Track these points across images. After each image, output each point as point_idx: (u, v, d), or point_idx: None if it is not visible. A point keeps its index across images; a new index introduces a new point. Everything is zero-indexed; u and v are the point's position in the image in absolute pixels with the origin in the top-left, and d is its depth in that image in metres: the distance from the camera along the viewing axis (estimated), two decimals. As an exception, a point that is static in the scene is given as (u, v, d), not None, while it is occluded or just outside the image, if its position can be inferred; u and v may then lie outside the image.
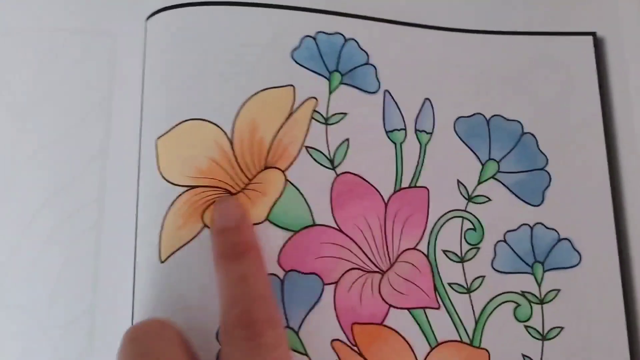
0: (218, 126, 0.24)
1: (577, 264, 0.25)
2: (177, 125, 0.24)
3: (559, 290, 0.25)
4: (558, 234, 0.25)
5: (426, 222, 0.25)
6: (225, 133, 0.24)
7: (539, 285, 0.25)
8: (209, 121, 0.24)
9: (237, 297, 0.21)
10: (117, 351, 0.20)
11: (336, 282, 0.24)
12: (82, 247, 0.25)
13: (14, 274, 0.25)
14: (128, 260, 0.24)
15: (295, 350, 0.23)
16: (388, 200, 0.25)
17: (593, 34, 0.27)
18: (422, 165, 0.25)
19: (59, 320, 0.24)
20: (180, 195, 0.24)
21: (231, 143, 0.24)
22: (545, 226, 0.25)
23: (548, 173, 0.26)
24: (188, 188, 0.24)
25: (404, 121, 0.26)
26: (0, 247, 0.25)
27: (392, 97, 0.26)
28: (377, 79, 0.26)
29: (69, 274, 0.25)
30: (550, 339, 0.24)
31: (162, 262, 0.23)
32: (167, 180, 0.24)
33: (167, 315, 0.22)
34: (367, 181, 0.25)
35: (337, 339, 0.23)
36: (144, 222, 0.24)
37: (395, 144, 0.25)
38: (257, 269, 0.22)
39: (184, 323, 0.22)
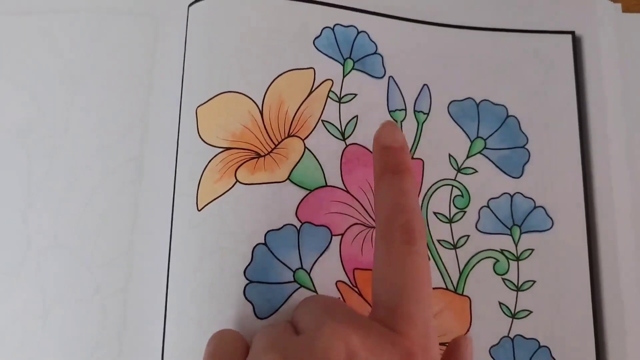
0: (251, 98, 0.29)
1: (550, 228, 0.29)
2: (215, 96, 0.29)
3: (533, 250, 0.29)
4: (534, 202, 0.29)
5: (420, 188, 0.29)
6: (257, 105, 0.29)
7: (516, 244, 0.29)
8: (243, 94, 0.29)
9: (400, 206, 0.22)
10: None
11: (342, 234, 0.28)
12: (124, 198, 0.28)
13: (64, 218, 0.28)
14: (165, 210, 0.28)
15: (306, 287, 0.27)
16: (389, 168, 0.29)
17: (572, 32, 0.31)
18: (418, 140, 0.30)
19: (101, 259, 0.28)
20: (216, 155, 0.28)
21: (261, 113, 0.29)
22: (523, 195, 0.30)
23: (528, 150, 0.30)
24: (223, 149, 0.28)
25: (404, 102, 0.30)
26: (51, 195, 0.29)
27: (395, 82, 0.30)
28: (384, 66, 0.30)
29: (111, 220, 0.28)
30: (523, 290, 0.29)
31: (199, 210, 0.28)
32: (205, 142, 0.28)
33: (202, 252, 0.27)
34: (371, 152, 0.29)
35: (341, 281, 0.28)
36: (182, 177, 0.28)
37: (396, 121, 0.30)
38: (415, 187, 0.25)
39: (216, 264, 0.27)
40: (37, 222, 0.28)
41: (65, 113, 0.29)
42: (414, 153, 0.29)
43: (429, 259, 0.28)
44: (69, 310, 0.27)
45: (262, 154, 0.29)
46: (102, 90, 0.30)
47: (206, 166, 0.28)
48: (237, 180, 0.28)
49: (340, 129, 0.29)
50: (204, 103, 0.29)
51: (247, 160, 0.28)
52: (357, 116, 0.29)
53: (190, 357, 0.26)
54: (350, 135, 0.29)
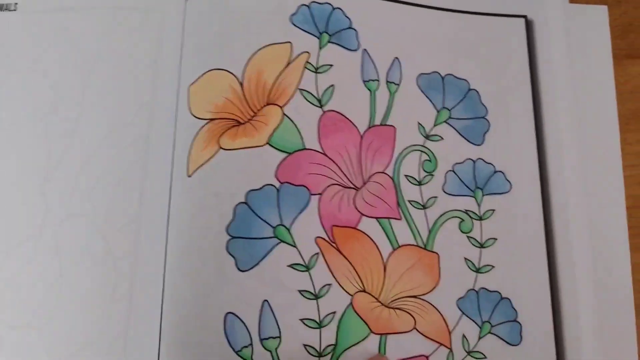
0: (232, 73, 0.31)
1: (508, 191, 0.32)
2: (203, 74, 0.31)
3: (494, 211, 0.31)
4: (494, 167, 0.32)
5: (392, 153, 0.31)
6: (237, 78, 0.31)
7: (479, 205, 0.31)
8: (226, 70, 0.31)
9: None
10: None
11: (320, 194, 0.30)
12: (132, 172, 0.31)
13: (80, 190, 0.31)
14: (166, 180, 0.31)
15: (286, 242, 0.29)
16: (363, 134, 0.31)
17: (525, 16, 0.35)
18: (390, 109, 0.32)
19: (113, 226, 0.31)
20: (203, 126, 0.30)
21: (241, 85, 0.31)
22: (484, 161, 0.32)
23: (488, 121, 0.33)
24: (209, 120, 0.30)
25: (377, 74, 0.32)
26: (68, 170, 0.32)
27: (369, 55, 0.32)
28: (357, 40, 0.32)
29: (122, 191, 0.31)
30: (486, 247, 0.31)
31: (189, 176, 0.29)
32: (194, 116, 0.30)
33: (192, 213, 0.29)
34: (347, 118, 0.31)
35: (320, 237, 0.29)
36: (178, 149, 0.30)
37: (370, 91, 0.32)
38: None
39: (202, 222, 0.29)
40: (54, 194, 0.31)
41: (80, 98, 0.33)
42: (386, 120, 0.32)
43: (401, 218, 0.30)
44: (83, 272, 0.30)
45: (243, 122, 0.30)
46: (113, 77, 0.33)
47: (195, 136, 0.30)
48: (220, 147, 0.30)
49: (317, 96, 0.31)
50: (194, 82, 0.31)
51: (229, 128, 0.30)
52: (333, 85, 0.31)
53: (184, 298, 0.28)
54: (327, 102, 0.31)
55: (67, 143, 0.32)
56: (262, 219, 0.29)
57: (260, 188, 0.29)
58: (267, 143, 0.30)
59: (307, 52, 0.31)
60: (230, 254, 0.28)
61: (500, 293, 0.30)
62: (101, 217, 0.31)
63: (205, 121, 0.30)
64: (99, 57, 0.33)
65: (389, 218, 0.30)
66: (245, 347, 0.27)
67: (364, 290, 0.29)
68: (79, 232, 0.30)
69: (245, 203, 0.29)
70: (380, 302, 0.29)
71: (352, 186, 0.30)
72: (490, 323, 0.30)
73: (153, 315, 0.28)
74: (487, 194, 0.32)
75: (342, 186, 0.30)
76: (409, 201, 0.31)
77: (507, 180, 0.32)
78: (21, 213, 0.31)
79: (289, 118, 0.30)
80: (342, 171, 0.30)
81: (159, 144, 0.32)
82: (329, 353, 0.28)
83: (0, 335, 0.29)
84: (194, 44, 0.32)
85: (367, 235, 0.30)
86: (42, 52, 0.33)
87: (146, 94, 0.33)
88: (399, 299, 0.29)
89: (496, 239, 0.31)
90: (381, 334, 0.29)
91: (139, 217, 0.31)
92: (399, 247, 0.30)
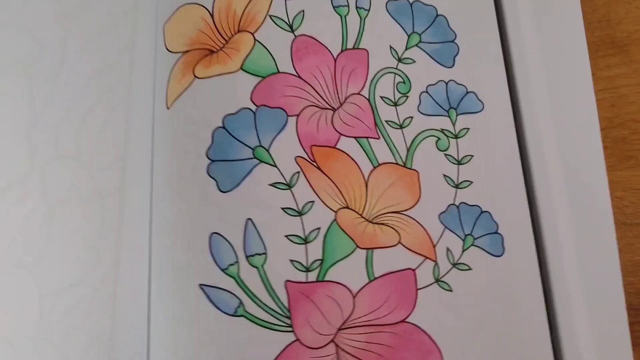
0: (203, 6, 0.31)
1: (481, 110, 0.32)
2: (175, 11, 0.31)
3: (468, 129, 0.32)
4: (466, 88, 0.33)
5: (367, 75, 0.31)
6: (208, 10, 0.31)
7: (454, 124, 0.32)
8: (196, 3, 0.31)
9: None
10: None
11: (297, 115, 0.30)
12: (116, 112, 0.32)
13: (66, 132, 0.32)
14: (148, 117, 0.31)
15: (266, 162, 0.28)
16: (337, 57, 0.31)
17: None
18: (362, 33, 0.32)
19: (100, 164, 0.31)
20: (178, 59, 0.30)
21: (212, 16, 0.31)
22: (456, 82, 0.33)
23: (457, 44, 0.33)
24: (183, 53, 0.30)
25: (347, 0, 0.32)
26: (53, 114, 0.32)
27: (337, -18, 0.33)
28: (325, -33, 0.33)
29: (107, 130, 0.32)
30: (463, 164, 0.31)
31: (168, 108, 0.30)
32: (170, 51, 0.31)
33: (173, 142, 0.29)
34: (319, 42, 0.31)
35: (300, 156, 0.29)
36: (157, 85, 0.31)
37: (340, 16, 0.32)
38: None
39: (182, 150, 0.29)
40: (40, 137, 0.32)
41: (62, 47, 0.33)
42: (358, 44, 0.32)
43: (379, 137, 0.30)
44: (72, 210, 0.31)
45: (215, 50, 0.30)
46: (94, 24, 0.34)
47: (172, 70, 0.30)
48: (195, 76, 0.30)
49: (288, 22, 0.31)
50: (168, 20, 0.32)
51: (202, 57, 0.30)
52: (303, 10, 0.31)
53: (171, 222, 0.28)
54: (298, 27, 0.31)
55: (50, 89, 0.32)
56: (240, 141, 0.28)
57: (237, 112, 0.29)
58: (241, 68, 0.30)
59: (276, -20, 0.31)
60: (211, 177, 0.28)
61: (480, 207, 0.31)
62: (87, 157, 0.31)
63: (180, 54, 0.30)
64: (79, 5, 0.34)
65: (367, 137, 0.30)
66: (232, 264, 0.27)
67: (347, 207, 0.29)
68: (65, 173, 0.31)
69: (223, 127, 0.29)
70: (364, 217, 0.29)
71: (329, 107, 0.30)
72: (472, 236, 0.30)
73: (142, 244, 0.29)
74: (460, 114, 0.32)
75: (318, 107, 0.30)
76: (386, 121, 0.31)
77: (479, 100, 0.33)
78: (8, 158, 0.31)
79: (261, 43, 0.30)
80: (317, 93, 0.30)
81: (140, 84, 0.32)
82: (316, 268, 0.27)
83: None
84: None
85: (347, 154, 0.30)
86: (22, 5, 0.34)
87: (126, 37, 0.33)
88: (382, 214, 0.29)
89: (472, 156, 0.31)
90: (367, 249, 0.28)
91: (124, 155, 0.31)
92: (379, 165, 0.30)
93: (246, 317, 0.26)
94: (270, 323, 0.27)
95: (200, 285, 0.27)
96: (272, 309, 0.27)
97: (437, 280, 0.29)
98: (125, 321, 0.28)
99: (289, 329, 0.27)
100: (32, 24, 0.33)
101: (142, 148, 0.31)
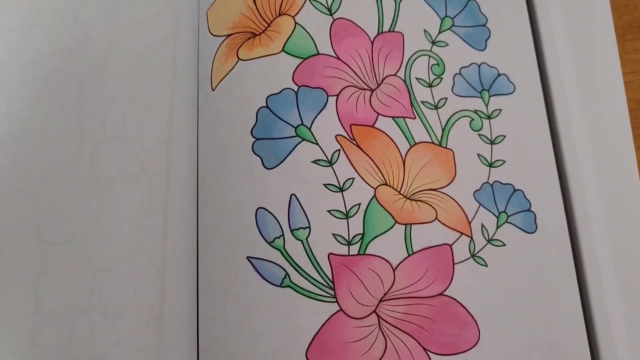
0: None
1: (513, 92, 0.33)
2: None
3: (500, 110, 0.33)
4: (498, 70, 0.34)
5: (402, 57, 0.32)
6: (249, -7, 0.32)
7: (486, 105, 0.33)
8: None
9: None
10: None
11: (337, 95, 0.30)
12: (163, 94, 0.33)
13: (113, 114, 0.33)
14: (193, 98, 0.33)
15: (308, 140, 0.29)
16: (373, 40, 0.32)
17: None
18: (397, 17, 0.33)
19: (146, 144, 0.32)
20: (222, 42, 0.32)
21: (254, 1, 0.32)
22: (488, 65, 0.33)
23: (488, 28, 0.34)
24: (227, 36, 0.32)
25: (382, -16, 0.33)
26: (101, 99, 0.33)
27: (373, -33, 0.34)
28: (362, -47, 0.34)
29: (154, 112, 0.33)
30: (497, 143, 0.32)
31: (213, 90, 0.31)
32: (213, 34, 0.32)
33: (218, 122, 0.30)
34: (357, 25, 0.32)
35: (340, 135, 0.30)
36: (202, 67, 0.32)
37: (376, 0, 0.33)
38: None
39: (227, 129, 0.30)
40: (89, 119, 0.32)
41: (107, 33, 0.34)
42: (394, 28, 0.33)
43: (415, 117, 0.31)
44: (121, 189, 0.31)
45: (258, 33, 0.31)
46: (138, 12, 0.35)
47: (216, 52, 0.32)
48: (239, 59, 0.31)
49: (327, 5, 0.32)
50: (211, 6, 0.33)
51: (246, 41, 0.31)
52: (341, -6, 0.32)
53: (217, 198, 0.29)
54: (336, 10, 0.32)
55: (97, 75, 0.33)
56: (283, 120, 0.29)
57: (279, 92, 0.30)
58: (282, 50, 0.31)
59: (314, -35, 0.32)
60: (256, 154, 0.29)
61: (513, 185, 0.32)
62: (135, 137, 0.32)
63: (224, 37, 0.32)
64: None
65: (404, 117, 0.31)
66: (277, 237, 0.28)
67: (385, 184, 0.30)
68: (114, 152, 0.32)
69: (267, 107, 0.30)
70: (402, 194, 0.30)
71: (367, 87, 0.31)
72: (506, 213, 0.31)
73: (189, 219, 0.30)
74: (493, 95, 0.33)
75: (357, 87, 0.31)
76: (422, 102, 0.32)
77: (511, 82, 0.33)
78: (58, 140, 0.32)
79: (301, 26, 0.31)
80: (355, 74, 0.31)
81: (184, 67, 0.33)
82: (357, 242, 0.28)
83: (45, 252, 0.29)
84: None
85: (385, 133, 0.31)
86: None
87: (170, 23, 0.34)
88: (419, 192, 0.30)
89: (505, 136, 0.32)
90: (405, 224, 0.29)
91: (170, 136, 0.32)
92: (416, 144, 0.31)
93: (292, 288, 0.27)
94: (314, 294, 0.28)
95: (248, 257, 0.28)
96: (317, 280, 0.28)
97: (473, 256, 0.30)
98: (174, 294, 0.29)
99: (333, 299, 0.28)
100: (78, 10, 0.34)
101: (187, 128, 0.32)
